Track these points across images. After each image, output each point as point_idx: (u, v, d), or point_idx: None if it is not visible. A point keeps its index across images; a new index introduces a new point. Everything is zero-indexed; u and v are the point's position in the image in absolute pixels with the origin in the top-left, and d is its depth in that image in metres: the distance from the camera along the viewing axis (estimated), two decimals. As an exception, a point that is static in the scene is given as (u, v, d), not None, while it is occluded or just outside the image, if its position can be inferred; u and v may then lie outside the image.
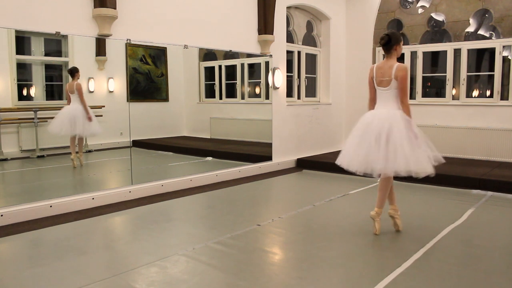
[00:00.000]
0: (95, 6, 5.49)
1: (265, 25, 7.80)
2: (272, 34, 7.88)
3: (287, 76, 8.61)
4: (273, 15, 7.83)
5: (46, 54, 6.44)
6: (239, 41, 7.56)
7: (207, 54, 8.95)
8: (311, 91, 9.65)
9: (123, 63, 6.51)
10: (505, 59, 8.16)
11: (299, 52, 9.18)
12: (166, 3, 6.41)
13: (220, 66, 9.02)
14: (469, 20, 8.39)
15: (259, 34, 7.85)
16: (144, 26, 6.11)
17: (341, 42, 9.81)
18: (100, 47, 6.49)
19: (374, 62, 9.56)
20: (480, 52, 9.06)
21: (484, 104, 8.26)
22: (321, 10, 9.22)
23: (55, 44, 6.50)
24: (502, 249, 3.99)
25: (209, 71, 9.06)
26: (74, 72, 6.21)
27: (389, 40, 4.21)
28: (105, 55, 6.62)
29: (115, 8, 5.60)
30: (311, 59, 9.59)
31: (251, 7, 7.70)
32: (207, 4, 6.97)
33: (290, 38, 8.89)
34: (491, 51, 8.40)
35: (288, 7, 8.64)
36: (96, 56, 6.58)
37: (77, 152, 6.39)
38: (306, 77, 9.36)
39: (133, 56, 7.51)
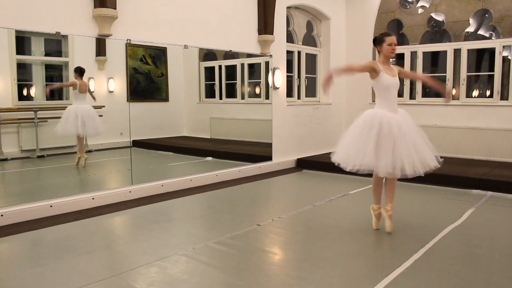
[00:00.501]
0: (95, 6, 5.49)
1: (265, 25, 7.80)
2: (272, 34, 7.88)
3: (287, 76, 8.61)
4: (273, 15, 7.83)
5: (46, 54, 6.44)
6: (239, 41, 7.56)
7: (207, 54, 8.95)
8: (311, 91, 9.65)
9: (123, 63, 6.51)
10: (505, 59, 8.16)
11: (299, 52, 9.18)
12: (166, 3, 6.41)
13: (220, 66, 9.02)
14: (469, 20, 8.39)
15: (259, 34, 7.85)
16: (144, 26, 6.11)
17: (341, 42, 9.81)
18: (100, 47, 6.49)
19: (374, 62, 9.55)
20: (480, 52, 9.06)
21: (484, 104, 8.26)
22: (321, 10, 9.22)
23: (55, 44, 6.50)
24: (502, 249, 3.99)
25: (209, 71, 9.06)
26: (84, 71, 6.26)
27: (373, 43, 4.48)
28: (105, 55, 6.61)
29: (115, 8, 5.60)
30: (311, 59, 9.59)
31: (251, 7, 7.70)
32: (207, 4, 6.97)
33: (290, 38, 8.89)
34: (491, 51, 8.40)
35: (288, 7, 8.64)
36: (96, 56, 6.58)
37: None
38: (306, 77, 9.36)
39: (133, 56, 7.50)
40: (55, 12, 5.21)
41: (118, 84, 6.90)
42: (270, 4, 7.75)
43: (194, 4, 6.79)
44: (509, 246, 4.08)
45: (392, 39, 4.30)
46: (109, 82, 6.90)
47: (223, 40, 7.28)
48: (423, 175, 4.19)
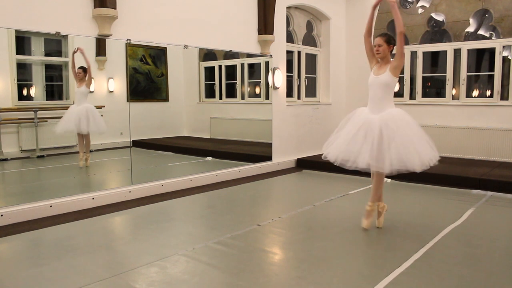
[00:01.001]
0: (95, 6, 5.50)
1: (265, 25, 7.80)
2: (272, 34, 7.88)
3: (287, 76, 8.60)
4: (273, 15, 7.83)
5: (47, 54, 6.44)
6: (239, 41, 7.56)
7: (207, 54, 8.94)
8: (311, 91, 9.65)
9: (123, 63, 6.51)
10: (505, 59, 8.16)
11: (299, 52, 9.19)
12: (166, 3, 6.42)
13: (220, 66, 9.02)
14: (469, 20, 8.39)
15: (259, 34, 7.85)
16: (144, 26, 6.11)
17: (341, 42, 9.81)
18: (100, 47, 6.49)
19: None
20: (480, 52, 9.06)
21: (484, 104, 8.26)
22: (321, 10, 9.22)
23: (55, 44, 6.50)
24: (502, 249, 3.99)
25: (209, 71, 9.06)
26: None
27: None
28: (105, 55, 6.61)
29: (115, 8, 5.60)
30: (311, 59, 9.59)
31: (251, 7, 7.70)
32: (207, 4, 6.97)
33: (290, 38, 8.89)
34: (491, 51, 8.40)
35: (288, 7, 8.64)
36: (96, 56, 6.57)
37: (84, 152, 6.43)
38: (306, 77, 9.35)
39: (133, 56, 7.50)
40: (55, 12, 5.22)
41: (118, 84, 6.90)
42: (270, 4, 7.75)
43: (194, 4, 6.79)
44: (509, 246, 4.08)
45: (376, 40, 4.29)
46: (109, 82, 6.90)
47: (223, 40, 7.28)
48: (395, 174, 4.23)
